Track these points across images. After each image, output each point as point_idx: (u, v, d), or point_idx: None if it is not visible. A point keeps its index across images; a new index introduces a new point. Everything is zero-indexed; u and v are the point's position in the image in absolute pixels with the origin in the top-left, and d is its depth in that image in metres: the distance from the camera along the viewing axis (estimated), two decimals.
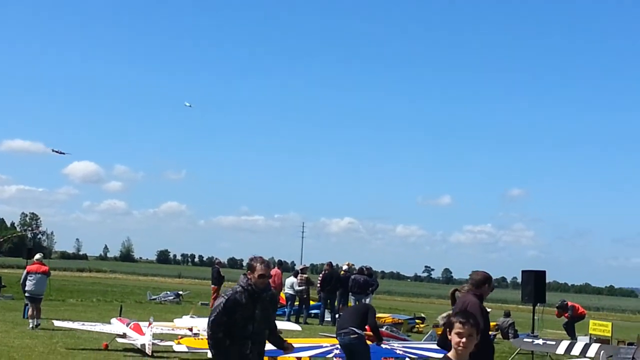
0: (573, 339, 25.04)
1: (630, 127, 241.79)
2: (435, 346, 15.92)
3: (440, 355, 14.71)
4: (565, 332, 26.26)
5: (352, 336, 13.30)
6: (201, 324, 19.04)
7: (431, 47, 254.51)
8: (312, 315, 28.38)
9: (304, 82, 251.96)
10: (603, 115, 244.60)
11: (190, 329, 18.56)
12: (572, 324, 26.09)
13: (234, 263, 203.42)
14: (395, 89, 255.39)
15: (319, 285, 27.74)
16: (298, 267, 30.79)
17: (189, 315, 21.01)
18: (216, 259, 35.87)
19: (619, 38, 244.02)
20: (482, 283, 9.45)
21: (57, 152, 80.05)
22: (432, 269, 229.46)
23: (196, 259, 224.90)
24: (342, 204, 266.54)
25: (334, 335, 15.46)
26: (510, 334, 23.37)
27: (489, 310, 10.23)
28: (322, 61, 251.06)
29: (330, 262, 28.84)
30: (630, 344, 18.00)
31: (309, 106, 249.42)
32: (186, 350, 15.78)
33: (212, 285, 30.18)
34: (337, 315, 24.91)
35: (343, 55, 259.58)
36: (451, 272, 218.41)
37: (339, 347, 13.84)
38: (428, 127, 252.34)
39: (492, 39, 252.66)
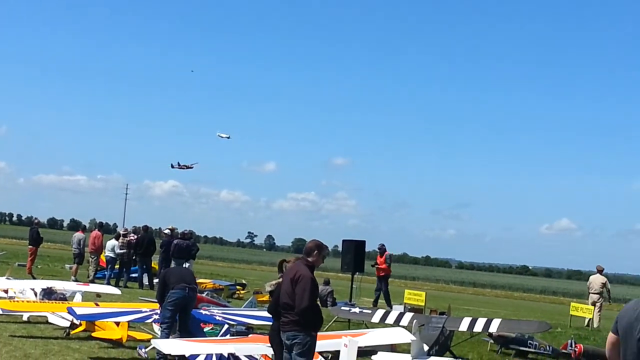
0: (387, 300, 25.83)
1: (444, 101, 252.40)
2: (255, 312, 16.07)
3: (262, 322, 14.91)
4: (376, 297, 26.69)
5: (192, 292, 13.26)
6: (17, 286, 18.35)
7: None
8: (133, 279, 27.92)
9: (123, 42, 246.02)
10: (424, 88, 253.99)
11: (6, 291, 17.83)
12: (386, 280, 26.47)
13: (54, 223, 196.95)
14: (220, 55, 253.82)
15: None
16: (120, 230, 30.14)
17: (5, 277, 20.10)
18: (35, 218, 34.54)
19: None
20: (312, 251, 9.56)
21: (183, 167, 69.70)
22: (255, 235, 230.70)
23: (14, 218, 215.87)
24: (166, 167, 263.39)
25: (154, 300, 15.29)
26: (328, 302, 23.86)
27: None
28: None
29: (146, 226, 28.57)
30: (442, 313, 18.77)
31: (130, 67, 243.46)
32: (1, 312, 15.10)
33: (30, 246, 29.03)
34: (155, 281, 24.68)
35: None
36: (274, 239, 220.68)
37: (158, 312, 13.69)
38: (254, 93, 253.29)
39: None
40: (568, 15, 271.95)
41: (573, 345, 16.24)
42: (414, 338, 13.71)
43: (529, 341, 16.69)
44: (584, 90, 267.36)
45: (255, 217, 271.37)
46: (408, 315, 16.14)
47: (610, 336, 5.50)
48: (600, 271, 26.96)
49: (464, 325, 15.29)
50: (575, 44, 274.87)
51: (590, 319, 25.61)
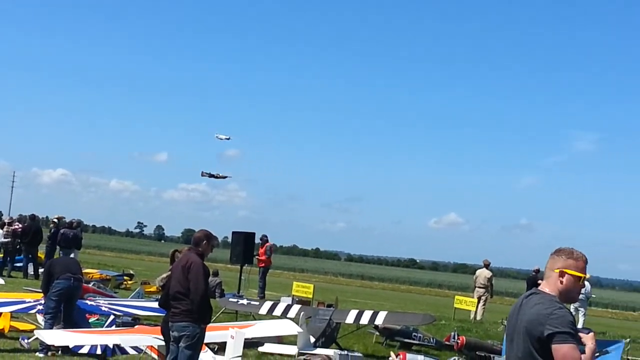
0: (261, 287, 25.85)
1: (334, 93, 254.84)
2: (142, 303, 15.90)
3: (149, 313, 14.77)
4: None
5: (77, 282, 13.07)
6: None
7: None
8: (18, 268, 27.17)
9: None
10: (313, 80, 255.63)
11: None
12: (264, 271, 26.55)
13: None
14: (111, 43, 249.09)
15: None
16: (5, 219, 29.27)
17: None
18: None
19: None
20: (202, 241, 9.55)
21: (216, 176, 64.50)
22: (145, 225, 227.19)
23: None
24: (55, 155, 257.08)
25: (39, 290, 14.95)
26: (217, 294, 23.77)
27: None
28: None
29: (33, 215, 27.91)
30: (329, 305, 19.00)
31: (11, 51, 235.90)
32: None
33: None
34: (40, 270, 24.12)
35: None
36: (163, 229, 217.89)
37: (42, 302, 13.41)
38: (147, 82, 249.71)
39: None
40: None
41: (456, 337, 16.65)
42: (300, 330, 13.84)
43: (414, 333, 17.04)
44: (470, 84, 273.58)
45: (145, 207, 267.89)
46: (296, 307, 16.27)
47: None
48: (486, 265, 27.71)
49: (350, 318, 15.53)
50: (460, 36, 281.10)
51: (474, 311, 26.34)
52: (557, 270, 5.30)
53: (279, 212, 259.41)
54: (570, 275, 5.29)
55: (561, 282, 5.28)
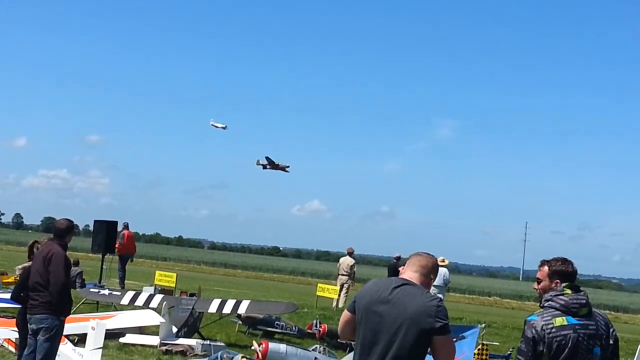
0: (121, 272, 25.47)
1: (189, 83, 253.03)
2: None
3: (6, 305, 14.32)
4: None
5: None
6: None
7: None
8: None
9: None
10: (177, 62, 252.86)
11: None
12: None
13: None
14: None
15: None
16: None
17: None
18: None
19: None
20: (65, 232, 9.40)
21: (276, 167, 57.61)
22: (3, 214, 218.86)
23: None
24: None
25: None
26: (77, 284, 23.25)
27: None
28: None
29: None
30: (192, 294, 18.92)
31: None
32: None
33: None
34: None
35: None
36: (22, 217, 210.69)
37: None
38: (6, 65, 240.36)
39: None
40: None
41: (318, 325, 16.92)
42: (163, 320, 13.77)
43: (276, 322, 17.20)
44: (335, 71, 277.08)
45: (3, 194, 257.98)
46: (158, 297, 16.16)
47: (346, 314, 5.77)
48: (350, 253, 28.17)
49: (213, 307, 15.56)
50: (321, 21, 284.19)
51: (336, 299, 26.74)
52: (431, 277, 5.65)
53: (141, 199, 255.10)
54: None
55: (428, 284, 5.64)
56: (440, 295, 24.98)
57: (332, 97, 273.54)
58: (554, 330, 5.81)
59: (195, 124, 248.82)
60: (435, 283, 7.21)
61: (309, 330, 17.22)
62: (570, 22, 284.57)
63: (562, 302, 5.93)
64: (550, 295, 6.00)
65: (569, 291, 6.00)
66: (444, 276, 24.27)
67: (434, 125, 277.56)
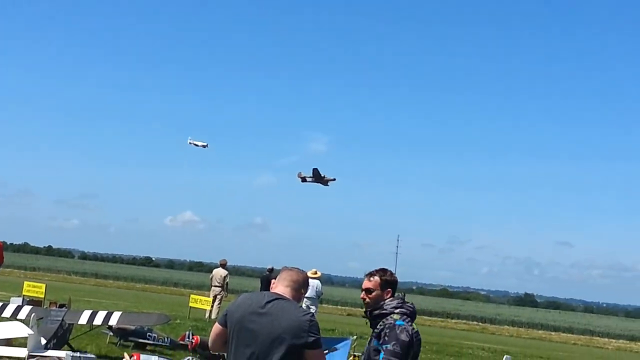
0: None
1: (66, 92, 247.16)
2: None
3: None
4: None
5: None
6: None
7: None
8: None
9: None
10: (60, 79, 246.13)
11: None
12: None
13: None
14: None
15: None
16: None
17: None
18: None
19: None
20: None
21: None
22: None
23: None
24: None
25: None
26: None
27: None
28: None
29: None
30: (62, 305, 18.52)
31: None
32: None
33: None
34: None
35: None
36: None
37: None
38: None
39: None
40: None
41: (190, 337, 16.85)
42: (31, 332, 13.47)
43: (148, 333, 17.05)
44: (206, 90, 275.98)
45: None
46: (27, 308, 15.76)
47: (217, 327, 5.78)
48: (223, 265, 28.18)
49: (84, 318, 15.28)
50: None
51: (209, 310, 26.68)
52: (302, 291, 5.79)
53: (9, 208, 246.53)
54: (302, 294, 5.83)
55: (299, 298, 5.78)
56: (313, 307, 25.30)
57: (203, 109, 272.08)
58: (416, 334, 6.29)
59: (65, 132, 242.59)
60: (307, 295, 7.41)
61: (181, 342, 17.13)
62: (424, 41, 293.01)
63: (412, 309, 6.45)
64: (399, 303, 6.42)
65: (408, 300, 6.52)
66: (316, 288, 24.56)
67: (306, 139, 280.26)
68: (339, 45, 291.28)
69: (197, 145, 61.48)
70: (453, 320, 68.46)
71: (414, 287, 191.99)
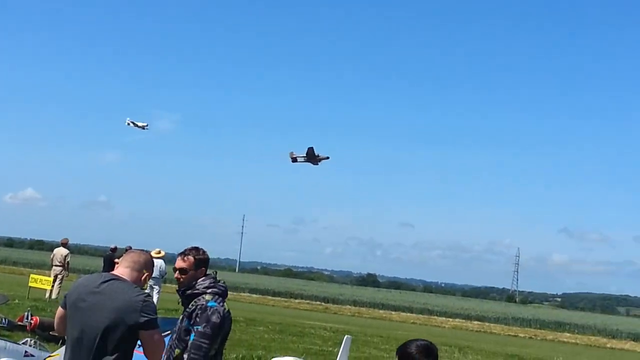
0: None
1: None
2: None
3: None
4: None
5: None
6: None
7: None
8: None
9: None
10: None
11: None
12: None
13: None
14: None
15: None
16: None
17: None
18: None
19: None
20: None
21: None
22: None
23: None
24: None
25: None
26: None
27: None
28: None
29: None
30: None
31: None
32: None
33: None
34: None
35: None
36: None
37: None
38: None
39: None
40: None
41: (29, 317, 16.51)
42: None
43: None
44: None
45: None
46: None
47: (60, 310, 5.84)
48: (64, 244, 27.60)
49: None
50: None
51: (49, 290, 26.08)
52: (144, 271, 5.85)
53: None
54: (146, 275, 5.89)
55: (140, 278, 5.81)
56: (156, 287, 25.22)
57: (49, 82, 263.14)
58: (227, 314, 6.42)
59: None
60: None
61: (19, 323, 16.74)
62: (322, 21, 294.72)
63: (224, 289, 6.58)
64: (211, 283, 6.53)
65: (219, 279, 6.66)
66: (160, 267, 24.53)
67: (154, 117, 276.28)
68: (187, 26, 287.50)
69: (137, 125, 59.36)
70: (296, 300, 69.31)
71: (259, 267, 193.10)
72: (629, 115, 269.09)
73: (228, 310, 6.45)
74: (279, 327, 27.37)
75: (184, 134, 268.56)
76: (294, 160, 50.44)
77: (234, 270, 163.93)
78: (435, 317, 68.19)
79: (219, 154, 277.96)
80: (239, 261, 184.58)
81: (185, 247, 6.66)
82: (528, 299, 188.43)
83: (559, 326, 68.85)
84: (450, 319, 66.43)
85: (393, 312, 68.13)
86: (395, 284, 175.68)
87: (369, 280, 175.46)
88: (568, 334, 61.64)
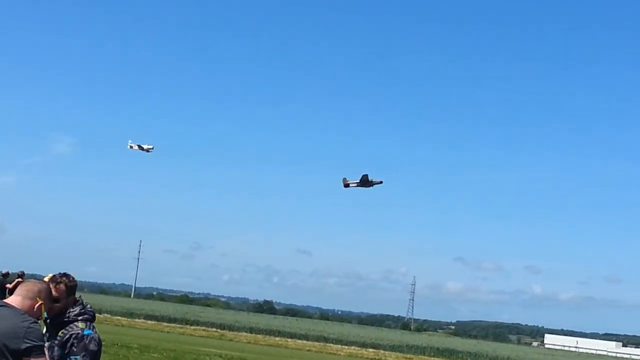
0: None
1: None
2: None
3: None
4: None
5: None
6: None
7: None
8: None
9: None
10: None
11: None
12: None
13: None
14: None
15: None
16: None
17: None
18: None
19: None
20: None
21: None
22: None
23: None
24: None
25: None
26: None
27: None
28: None
29: None
30: None
31: None
32: None
33: None
34: None
35: None
36: None
37: None
38: None
39: None
40: None
41: None
42: None
43: None
44: None
45: None
46: None
47: None
48: None
49: None
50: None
51: None
52: (39, 300, 5.64)
53: None
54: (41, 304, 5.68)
55: (33, 306, 5.62)
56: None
57: None
58: (99, 339, 6.40)
59: None
60: None
61: None
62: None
63: (92, 313, 6.51)
64: (81, 310, 6.43)
65: (87, 303, 6.59)
66: None
67: (51, 140, 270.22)
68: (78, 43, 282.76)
69: (142, 149, 55.67)
70: (192, 327, 68.45)
71: (155, 293, 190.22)
72: (518, 147, 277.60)
73: (99, 336, 6.40)
74: (173, 354, 26.97)
75: (81, 157, 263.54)
76: (346, 185, 51.23)
77: (130, 296, 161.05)
78: (331, 344, 68.42)
79: (116, 177, 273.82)
80: (135, 286, 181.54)
81: (54, 274, 6.45)
82: (423, 326, 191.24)
83: (452, 354, 70.01)
84: (346, 347, 66.72)
85: (289, 340, 67.97)
86: (292, 311, 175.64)
87: (266, 307, 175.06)
88: None
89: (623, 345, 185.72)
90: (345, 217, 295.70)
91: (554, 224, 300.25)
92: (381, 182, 52.51)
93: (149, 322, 68.64)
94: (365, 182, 50.56)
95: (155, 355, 25.19)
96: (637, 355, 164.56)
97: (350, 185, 51.53)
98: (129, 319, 65.24)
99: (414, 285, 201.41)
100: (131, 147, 56.81)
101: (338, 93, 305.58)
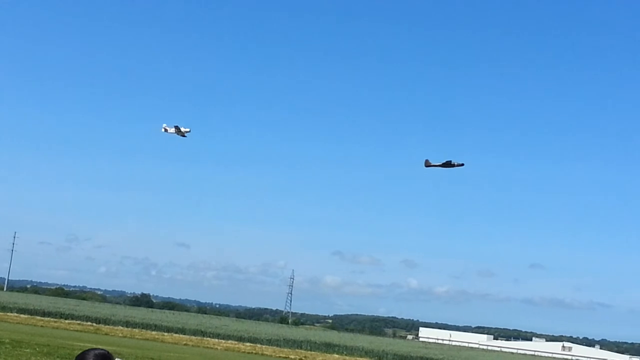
0: None
1: None
2: None
3: None
4: None
5: None
6: None
7: None
8: None
9: None
10: None
11: None
12: None
13: None
14: None
15: None
16: None
17: None
18: None
19: None
20: None
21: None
22: None
23: None
24: None
25: None
26: None
27: None
28: None
29: None
30: None
31: None
32: None
33: None
34: None
35: None
36: None
37: None
38: None
39: None
40: None
41: None
42: None
43: None
44: None
45: None
46: None
47: None
48: None
49: None
50: None
51: None
52: None
53: None
54: None
55: None
56: None
57: None
58: None
59: None
60: None
61: None
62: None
63: None
64: None
65: None
66: None
67: None
68: None
69: (180, 132, 51.91)
70: (67, 321, 67.31)
71: (29, 286, 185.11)
72: (403, 144, 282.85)
73: None
74: (47, 349, 26.69)
75: None
76: (428, 165, 52.26)
77: (2, 289, 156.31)
78: (209, 338, 68.45)
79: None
80: (8, 279, 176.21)
81: None
82: (301, 320, 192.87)
83: (329, 347, 71.15)
84: (223, 341, 66.89)
85: (166, 333, 67.67)
86: (170, 305, 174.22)
87: (143, 301, 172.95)
88: (337, 355, 63.86)
89: (494, 338, 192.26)
90: (221, 208, 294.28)
91: (430, 219, 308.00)
92: (462, 165, 54.18)
93: (22, 315, 67.04)
94: (447, 164, 52.11)
95: (28, 350, 24.93)
96: (507, 347, 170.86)
97: (433, 165, 53.49)
98: (0, 313, 63.67)
99: (293, 278, 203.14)
100: (165, 130, 54.98)
101: None
